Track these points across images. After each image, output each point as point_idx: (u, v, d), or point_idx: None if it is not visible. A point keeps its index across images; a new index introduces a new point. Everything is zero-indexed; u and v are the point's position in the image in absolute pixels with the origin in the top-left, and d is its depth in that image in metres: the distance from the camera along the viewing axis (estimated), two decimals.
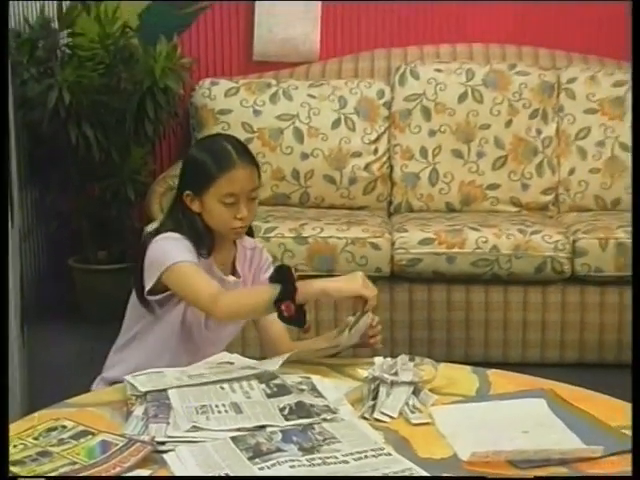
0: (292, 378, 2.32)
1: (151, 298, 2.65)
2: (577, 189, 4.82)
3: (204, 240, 2.65)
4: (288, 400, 2.21)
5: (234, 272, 2.75)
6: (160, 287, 2.61)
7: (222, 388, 2.25)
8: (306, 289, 2.40)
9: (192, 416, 2.10)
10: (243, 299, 2.57)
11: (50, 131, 4.62)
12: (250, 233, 2.82)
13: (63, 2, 4.86)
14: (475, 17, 5.14)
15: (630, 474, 1.89)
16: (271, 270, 2.72)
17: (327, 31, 5.15)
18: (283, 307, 2.36)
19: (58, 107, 4.53)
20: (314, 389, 2.28)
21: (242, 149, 2.69)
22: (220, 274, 2.69)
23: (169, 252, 2.59)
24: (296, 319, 2.38)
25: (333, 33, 5.16)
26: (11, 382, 3.48)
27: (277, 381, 2.29)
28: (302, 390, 2.26)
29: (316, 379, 2.34)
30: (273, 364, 2.37)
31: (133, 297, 2.73)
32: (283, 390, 2.25)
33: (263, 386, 2.27)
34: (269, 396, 2.24)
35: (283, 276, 2.42)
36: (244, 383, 2.28)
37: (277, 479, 1.88)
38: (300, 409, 2.17)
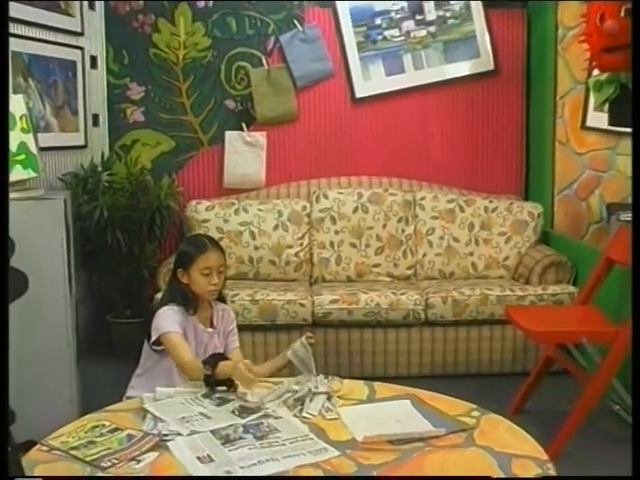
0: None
1: (155, 347, 2.64)
2: (428, 266, 4.85)
3: (190, 303, 2.65)
4: (232, 405, 2.19)
5: (212, 325, 2.74)
6: (160, 341, 2.60)
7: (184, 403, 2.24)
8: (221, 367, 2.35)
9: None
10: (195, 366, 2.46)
11: (95, 235, 4.56)
12: (223, 300, 2.82)
13: (105, 153, 4.91)
14: (363, 160, 5.19)
15: (631, 474, 1.81)
16: (233, 326, 2.79)
17: (269, 169, 5.16)
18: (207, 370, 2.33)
19: (100, 220, 4.49)
20: (260, 398, 2.25)
21: (213, 241, 2.76)
22: (202, 327, 2.69)
23: (165, 321, 2.58)
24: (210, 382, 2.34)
25: (273, 170, 5.17)
26: (71, 395, 3.39)
27: (218, 395, 2.27)
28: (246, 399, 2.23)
29: (264, 391, 2.31)
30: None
31: (145, 343, 2.71)
32: (224, 401, 2.24)
33: (207, 400, 2.25)
34: (217, 405, 2.21)
35: (214, 358, 2.41)
36: (197, 400, 2.26)
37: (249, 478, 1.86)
38: (243, 410, 2.15)
